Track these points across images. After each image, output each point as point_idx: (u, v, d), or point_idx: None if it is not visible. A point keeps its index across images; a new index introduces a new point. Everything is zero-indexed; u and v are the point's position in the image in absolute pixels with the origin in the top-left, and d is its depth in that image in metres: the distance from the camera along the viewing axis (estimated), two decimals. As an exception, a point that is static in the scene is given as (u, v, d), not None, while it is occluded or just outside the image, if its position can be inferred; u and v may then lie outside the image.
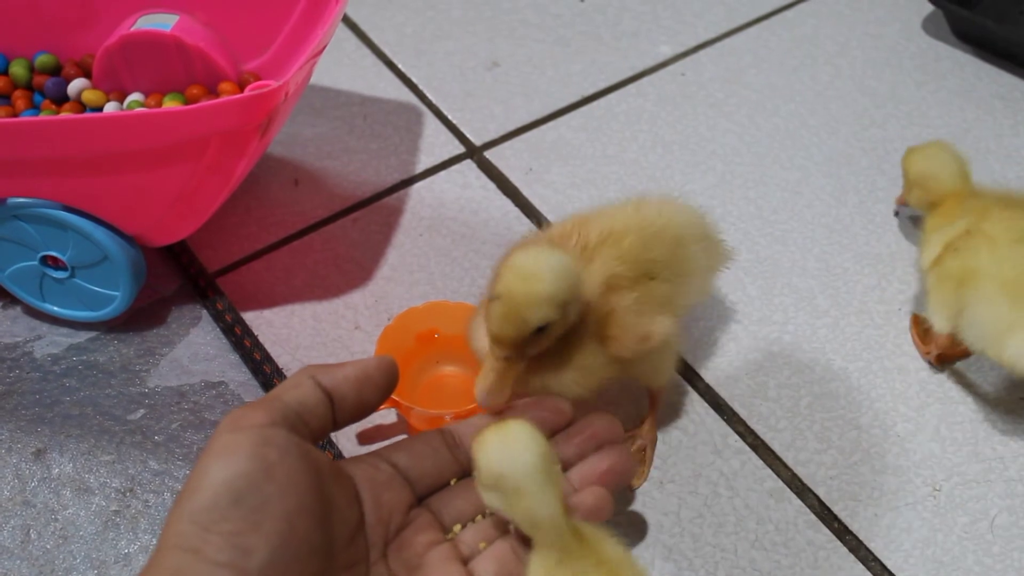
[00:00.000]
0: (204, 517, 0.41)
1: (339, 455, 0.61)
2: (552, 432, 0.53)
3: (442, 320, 0.63)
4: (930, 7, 0.92)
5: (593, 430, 0.52)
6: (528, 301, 0.48)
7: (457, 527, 0.50)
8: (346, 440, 0.62)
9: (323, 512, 0.44)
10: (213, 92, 0.71)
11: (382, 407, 0.61)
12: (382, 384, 0.49)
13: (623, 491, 0.60)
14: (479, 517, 0.51)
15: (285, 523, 0.42)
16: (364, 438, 0.63)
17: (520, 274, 0.49)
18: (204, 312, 0.69)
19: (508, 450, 0.45)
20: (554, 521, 0.45)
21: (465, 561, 0.48)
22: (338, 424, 0.48)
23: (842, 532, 0.59)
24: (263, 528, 0.41)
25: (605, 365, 0.54)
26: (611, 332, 0.53)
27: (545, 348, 0.51)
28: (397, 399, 0.58)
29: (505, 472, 0.45)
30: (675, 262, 0.57)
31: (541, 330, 0.49)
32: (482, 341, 0.52)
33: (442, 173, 0.79)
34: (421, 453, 0.51)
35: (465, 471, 0.52)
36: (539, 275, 0.49)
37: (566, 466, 0.52)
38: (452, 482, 0.52)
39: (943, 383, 0.66)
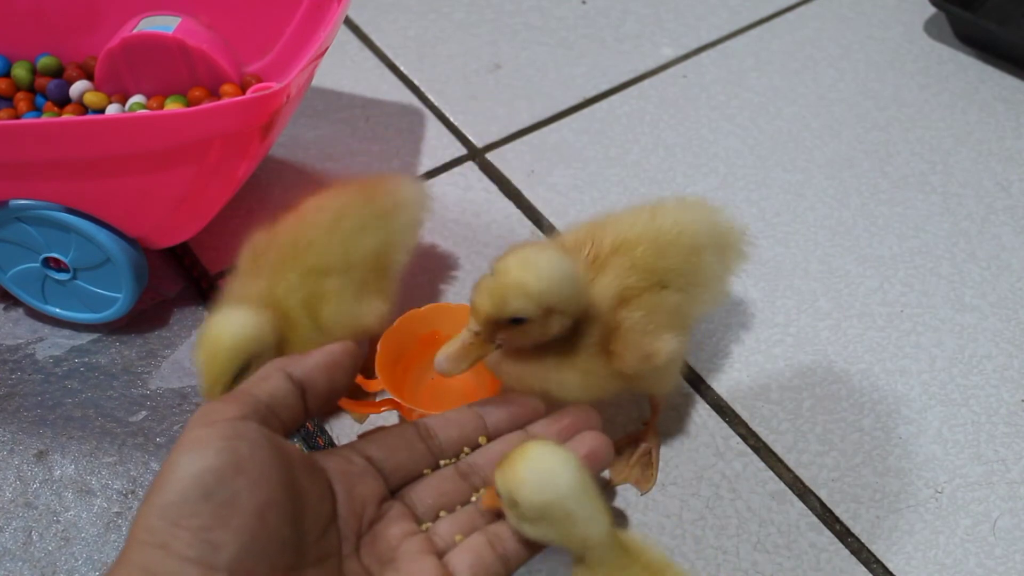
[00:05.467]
0: (173, 512, 0.41)
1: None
2: (526, 423, 0.52)
3: (444, 322, 0.63)
4: (932, 10, 0.92)
5: (571, 420, 0.52)
6: (513, 286, 0.48)
7: (427, 525, 0.50)
8: (347, 441, 0.62)
9: (294, 506, 0.44)
10: (215, 94, 0.71)
11: (383, 408, 0.61)
12: (349, 367, 0.49)
13: (624, 493, 0.60)
14: (458, 507, 0.50)
15: (255, 517, 0.42)
16: (366, 440, 0.63)
17: (519, 260, 0.49)
18: (206, 314, 0.69)
19: (547, 476, 0.43)
20: (607, 538, 0.44)
21: (440, 554, 0.48)
22: (310, 413, 0.48)
23: (844, 534, 0.59)
24: (232, 523, 0.41)
25: (609, 377, 0.53)
26: (615, 348, 0.53)
27: (522, 344, 0.51)
28: (399, 400, 0.58)
29: (551, 500, 0.43)
30: (689, 271, 0.56)
31: (517, 322, 0.49)
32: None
33: (444, 175, 0.79)
34: (394, 445, 0.51)
35: (438, 462, 0.52)
36: (535, 269, 0.49)
37: None
38: (426, 472, 0.51)
39: (945, 385, 0.66)
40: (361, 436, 0.62)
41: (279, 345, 0.56)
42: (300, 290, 0.57)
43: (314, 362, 0.48)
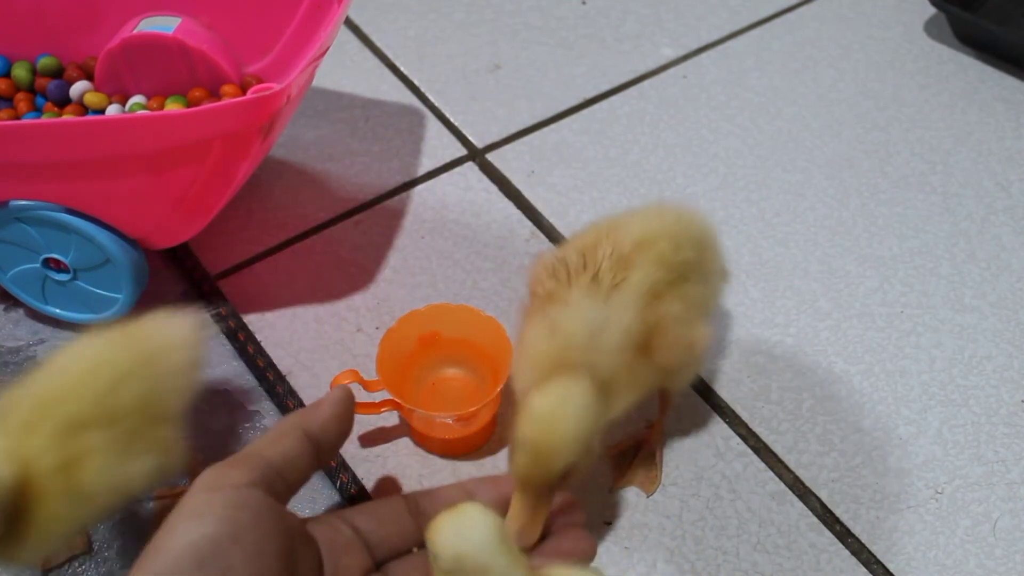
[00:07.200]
0: None
1: (342, 465, 0.61)
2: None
3: (444, 322, 0.63)
4: (932, 10, 0.92)
5: (556, 508, 0.50)
6: (552, 449, 0.47)
7: None
8: (348, 443, 0.62)
9: None
10: (215, 95, 0.71)
11: (383, 409, 0.61)
12: (351, 413, 0.50)
13: (625, 493, 0.60)
14: None
15: None
16: (366, 440, 0.63)
17: (541, 421, 0.47)
18: (207, 316, 0.69)
19: (463, 529, 0.43)
20: None
21: None
22: (320, 466, 0.49)
23: (844, 535, 0.59)
24: None
25: (651, 376, 0.53)
26: (658, 343, 0.52)
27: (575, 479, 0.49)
28: (399, 401, 0.58)
29: (464, 551, 0.43)
30: (702, 263, 0.56)
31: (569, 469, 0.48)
32: (524, 379, 0.51)
33: (444, 175, 0.79)
34: (383, 518, 0.50)
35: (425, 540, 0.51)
36: (561, 421, 0.47)
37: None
38: (414, 550, 0.51)
39: (945, 386, 0.66)
40: (361, 437, 0.63)
41: (13, 518, 0.47)
42: (53, 451, 0.48)
43: (325, 415, 0.49)
